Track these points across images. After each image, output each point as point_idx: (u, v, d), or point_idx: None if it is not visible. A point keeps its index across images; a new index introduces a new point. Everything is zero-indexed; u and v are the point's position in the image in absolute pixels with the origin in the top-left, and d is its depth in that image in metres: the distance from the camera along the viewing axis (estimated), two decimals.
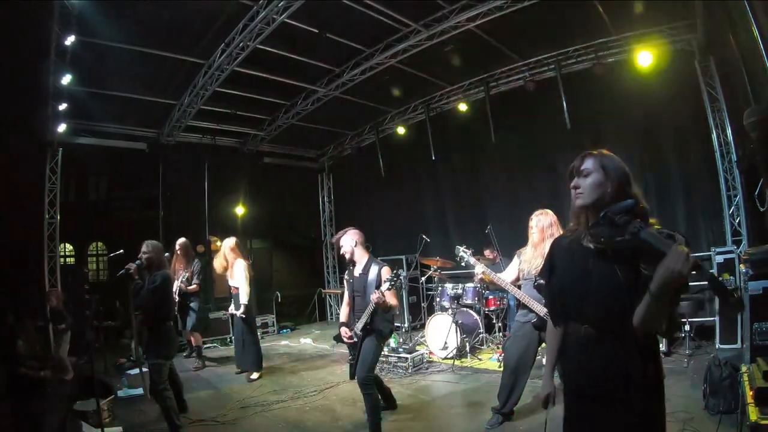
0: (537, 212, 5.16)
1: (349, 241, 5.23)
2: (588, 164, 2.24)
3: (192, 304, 8.44)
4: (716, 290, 1.76)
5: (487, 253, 9.22)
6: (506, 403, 5.18)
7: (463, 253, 5.71)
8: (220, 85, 9.48)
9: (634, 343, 2.02)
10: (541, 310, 4.85)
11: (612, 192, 2.15)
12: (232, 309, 8.08)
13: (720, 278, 1.79)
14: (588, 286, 2.16)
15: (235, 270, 7.88)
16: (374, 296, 4.77)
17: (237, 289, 7.85)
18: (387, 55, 9.27)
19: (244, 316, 7.78)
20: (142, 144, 11.77)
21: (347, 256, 5.25)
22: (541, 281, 4.92)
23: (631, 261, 2.00)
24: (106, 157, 11.18)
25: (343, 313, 5.47)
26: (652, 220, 2.09)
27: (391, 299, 4.98)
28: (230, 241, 8.11)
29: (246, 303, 7.74)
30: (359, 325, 5.02)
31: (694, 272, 1.73)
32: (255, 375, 7.83)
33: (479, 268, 5.43)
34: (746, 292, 4.90)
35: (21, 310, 6.94)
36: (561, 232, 4.71)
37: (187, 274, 8.35)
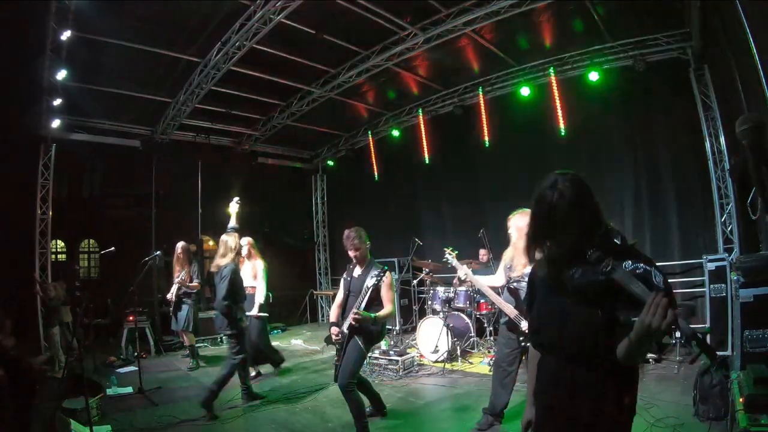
0: (515, 213, 5.23)
1: (364, 245, 5.21)
2: (564, 213, 2.00)
3: (186, 304, 8.40)
4: (702, 349, 1.60)
5: (482, 253, 9.25)
6: (493, 404, 5.24)
7: (449, 255, 5.85)
8: (216, 84, 9.46)
9: (607, 375, 1.94)
10: (512, 312, 5.03)
11: (585, 228, 2.00)
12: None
13: (701, 335, 1.58)
14: (564, 321, 2.06)
15: (258, 269, 7.90)
16: (351, 316, 4.83)
17: (254, 288, 7.83)
18: (383, 58, 9.28)
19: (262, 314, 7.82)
20: (136, 141, 11.72)
21: (356, 259, 5.24)
22: (515, 284, 5.08)
23: (607, 301, 1.88)
24: (99, 153, 11.12)
25: (333, 313, 5.45)
26: (632, 242, 2.02)
27: (388, 303, 4.99)
28: (250, 240, 8.11)
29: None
30: (345, 324, 5.00)
31: (673, 327, 1.60)
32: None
33: (461, 272, 5.64)
34: (737, 299, 4.92)
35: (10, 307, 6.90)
36: None
37: (184, 274, 8.33)
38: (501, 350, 5.37)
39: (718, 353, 6.77)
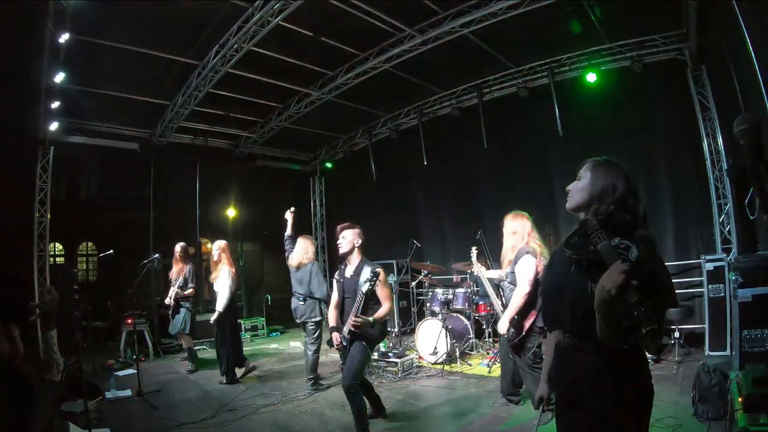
0: (508, 214, 5.60)
1: (352, 237, 5.14)
2: (582, 169, 2.28)
3: (183, 308, 8.37)
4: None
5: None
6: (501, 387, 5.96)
7: (473, 252, 6.45)
8: (214, 86, 9.47)
9: (604, 352, 1.97)
10: (498, 307, 5.69)
11: (594, 199, 2.16)
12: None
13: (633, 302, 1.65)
14: (563, 291, 2.16)
15: (223, 274, 7.81)
16: (350, 322, 4.77)
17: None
18: (381, 60, 9.29)
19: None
20: (134, 144, 11.74)
21: (342, 250, 5.14)
22: (499, 281, 5.66)
23: (597, 272, 1.92)
24: (97, 156, 11.12)
25: (332, 316, 5.31)
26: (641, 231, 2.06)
27: (385, 301, 4.95)
28: (222, 244, 8.12)
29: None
30: (346, 329, 4.92)
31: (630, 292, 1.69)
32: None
33: (475, 267, 6.27)
34: (736, 299, 4.93)
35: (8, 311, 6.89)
36: (528, 235, 5.37)
37: (180, 280, 8.30)
38: (501, 343, 5.87)
39: (716, 353, 6.82)
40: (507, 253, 5.47)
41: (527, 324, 5.25)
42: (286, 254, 7.71)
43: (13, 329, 5.50)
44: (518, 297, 5.19)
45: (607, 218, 2.05)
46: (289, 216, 7.78)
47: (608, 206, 2.11)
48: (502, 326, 5.31)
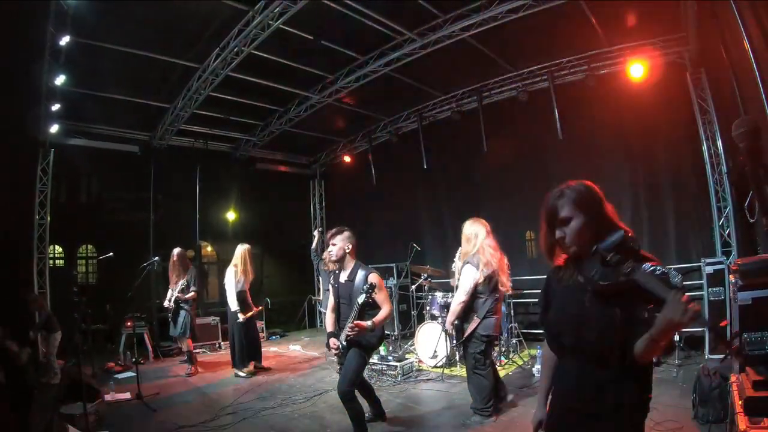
0: (467, 221, 5.84)
1: (342, 243, 5.06)
2: (565, 211, 2.17)
3: (183, 311, 8.37)
4: (717, 337, 1.75)
5: None
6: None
7: (457, 254, 6.49)
8: (214, 89, 9.48)
9: (627, 372, 2.03)
10: (449, 318, 5.79)
11: (596, 230, 2.12)
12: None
13: (719, 325, 1.73)
14: (584, 322, 2.13)
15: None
16: (347, 329, 4.72)
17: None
18: (381, 63, 9.31)
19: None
20: (134, 147, 11.77)
21: (334, 258, 5.08)
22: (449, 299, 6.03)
23: (626, 300, 1.96)
24: (97, 159, 11.12)
25: (329, 321, 5.26)
26: (646, 254, 2.08)
27: (383, 304, 4.91)
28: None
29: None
30: (343, 336, 4.84)
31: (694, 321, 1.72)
32: None
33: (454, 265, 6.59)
34: (736, 302, 4.92)
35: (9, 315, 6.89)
36: (481, 243, 5.55)
37: (182, 283, 8.31)
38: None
39: (716, 356, 6.81)
40: (460, 259, 5.85)
41: (469, 329, 5.54)
42: (315, 263, 9.82)
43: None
44: (454, 303, 5.63)
45: (620, 246, 2.03)
46: (316, 233, 10.10)
47: (617, 233, 2.08)
48: (447, 327, 5.97)
